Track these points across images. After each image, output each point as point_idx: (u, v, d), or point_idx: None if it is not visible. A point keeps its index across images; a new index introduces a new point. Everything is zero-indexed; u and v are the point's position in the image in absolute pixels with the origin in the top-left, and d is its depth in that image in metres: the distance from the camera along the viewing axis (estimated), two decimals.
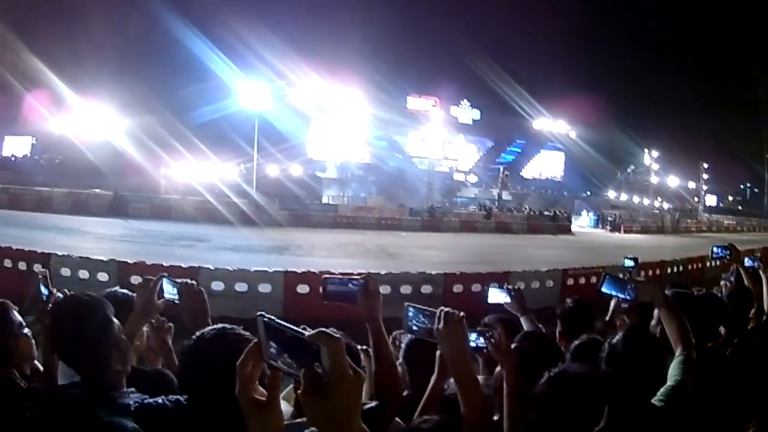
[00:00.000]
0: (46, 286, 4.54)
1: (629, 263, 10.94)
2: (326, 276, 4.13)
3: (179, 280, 4.41)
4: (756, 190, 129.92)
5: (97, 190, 53.95)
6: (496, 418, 4.04)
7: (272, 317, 2.05)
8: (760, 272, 8.31)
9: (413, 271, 22.27)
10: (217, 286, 18.27)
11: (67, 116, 71.35)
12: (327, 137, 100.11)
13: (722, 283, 9.74)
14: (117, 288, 5.20)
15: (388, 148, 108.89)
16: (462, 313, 3.66)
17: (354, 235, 51.72)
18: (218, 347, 3.20)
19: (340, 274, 4.80)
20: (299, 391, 1.95)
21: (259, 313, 2.09)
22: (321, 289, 4.18)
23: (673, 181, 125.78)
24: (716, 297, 6.57)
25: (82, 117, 69.85)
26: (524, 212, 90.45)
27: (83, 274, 17.86)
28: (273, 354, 2.04)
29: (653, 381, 4.19)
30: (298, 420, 2.98)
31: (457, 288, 21.62)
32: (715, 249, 9.10)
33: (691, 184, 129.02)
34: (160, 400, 3.34)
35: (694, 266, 33.74)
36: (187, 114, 71.91)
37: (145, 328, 4.91)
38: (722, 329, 6.34)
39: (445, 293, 21.18)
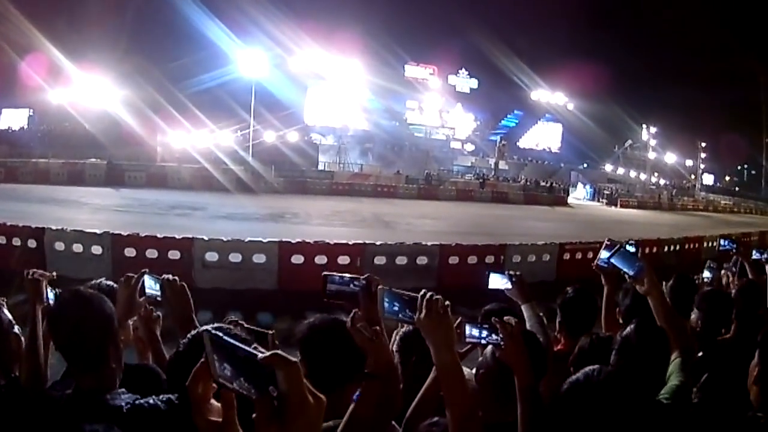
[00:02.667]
0: (53, 290, 4.55)
1: (631, 249, 10.78)
2: (326, 274, 3.92)
3: (161, 277, 4.36)
4: (753, 172, 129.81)
5: (93, 160, 53.68)
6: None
7: (220, 334, 1.91)
8: (767, 267, 8.08)
9: (409, 242, 22.13)
10: (212, 257, 18.19)
11: (64, 87, 70.99)
12: (324, 104, 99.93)
13: (723, 273, 9.97)
14: (102, 279, 5.09)
15: (385, 116, 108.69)
16: (447, 302, 3.38)
17: (350, 203, 51.61)
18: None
19: (342, 273, 3.91)
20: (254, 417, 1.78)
21: (205, 328, 2.02)
22: (322, 287, 3.97)
23: (671, 158, 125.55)
24: (722, 292, 6.56)
25: (79, 87, 69.47)
26: (521, 183, 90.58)
27: (77, 247, 17.73)
28: (227, 375, 1.85)
29: (661, 375, 4.19)
30: None
31: (453, 260, 21.50)
32: (722, 241, 9.02)
33: (689, 162, 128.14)
34: (152, 401, 3.28)
35: (691, 246, 33.70)
36: (184, 82, 71.64)
37: (130, 321, 4.80)
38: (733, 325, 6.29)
39: (440, 265, 21.11)
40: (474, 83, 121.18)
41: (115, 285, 4.71)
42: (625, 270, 4.93)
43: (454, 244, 22.28)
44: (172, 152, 61.70)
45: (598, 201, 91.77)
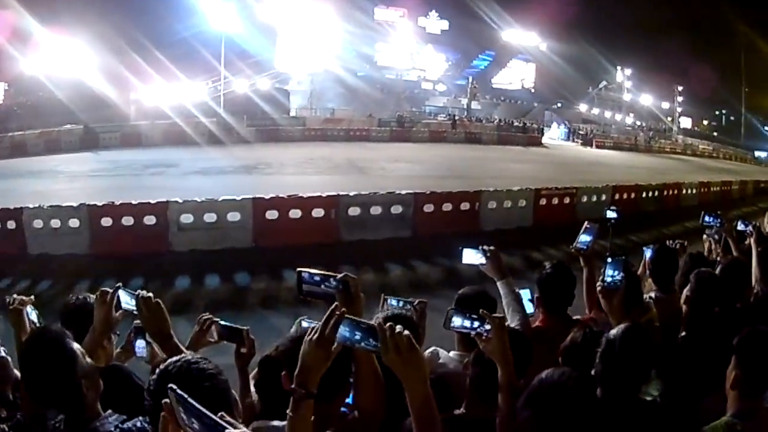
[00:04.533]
0: (34, 309, 4.62)
1: (612, 214, 10.62)
2: (300, 270, 3.72)
3: (136, 292, 4.23)
4: (732, 118, 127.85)
5: (68, 127, 53.06)
6: (458, 411, 3.96)
7: (185, 396, 1.97)
8: (751, 242, 7.91)
9: (383, 189, 22.10)
10: (187, 219, 18.11)
11: (36, 53, 69.62)
12: (295, 50, 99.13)
13: (705, 238, 9.76)
14: (78, 296, 5.05)
15: (356, 60, 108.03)
16: (407, 332, 3.03)
17: (323, 149, 51.63)
18: (180, 386, 3.07)
19: (316, 271, 3.72)
20: None
21: (170, 386, 2.04)
22: (297, 284, 3.77)
23: (647, 100, 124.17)
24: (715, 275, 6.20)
25: (51, 53, 68.16)
26: (494, 123, 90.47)
27: (55, 223, 17.45)
28: (196, 429, 1.93)
29: (646, 379, 4.06)
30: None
31: (428, 208, 21.53)
32: (706, 217, 8.60)
33: (665, 105, 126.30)
34: (138, 423, 3.35)
35: (670, 192, 33.46)
36: (155, 36, 70.47)
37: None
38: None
39: (415, 213, 21.13)
40: (444, 24, 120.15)
41: (88, 299, 4.71)
42: (605, 275, 4.92)
43: (429, 192, 22.14)
44: (145, 110, 61.10)
45: (573, 141, 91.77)
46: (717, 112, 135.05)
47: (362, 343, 3.00)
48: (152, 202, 17.97)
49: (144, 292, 4.14)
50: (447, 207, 22.06)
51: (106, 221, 17.31)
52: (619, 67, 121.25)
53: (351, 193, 20.67)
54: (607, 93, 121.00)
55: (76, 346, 3.63)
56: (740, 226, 8.49)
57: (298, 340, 3.16)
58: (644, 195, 30.96)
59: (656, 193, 31.94)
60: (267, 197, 19.14)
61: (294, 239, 18.41)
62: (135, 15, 72.03)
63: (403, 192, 21.65)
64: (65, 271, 15.67)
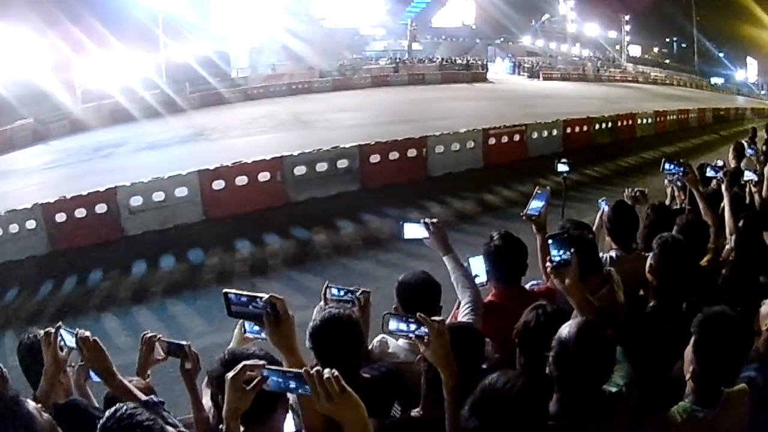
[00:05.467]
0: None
1: (563, 168, 10.35)
2: (227, 292, 3.37)
3: (75, 331, 4.15)
4: (684, 45, 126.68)
5: (19, 122, 52.22)
6: (415, 413, 3.89)
7: None
8: (723, 188, 7.67)
9: (327, 147, 21.74)
10: (136, 201, 17.90)
11: None
12: (230, 11, 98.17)
13: (667, 183, 9.38)
14: (27, 334, 4.94)
15: (291, 12, 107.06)
16: (336, 373, 2.86)
17: (267, 106, 51.39)
18: None
19: (242, 292, 3.12)
20: None
21: None
22: (225, 304, 3.40)
23: (593, 30, 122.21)
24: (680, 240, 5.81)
25: None
26: (436, 62, 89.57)
27: (14, 228, 17.04)
28: None
29: (605, 379, 3.77)
30: None
31: (374, 158, 21.56)
32: (667, 165, 7.46)
33: (612, 34, 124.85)
34: None
35: (625, 123, 33.18)
36: (91, 5, 69.25)
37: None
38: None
39: (362, 165, 21.18)
40: None
41: (38, 336, 4.59)
42: (551, 255, 4.44)
43: (373, 142, 22.06)
44: (91, 93, 60.17)
45: (519, 75, 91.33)
46: (668, 40, 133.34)
47: (299, 389, 2.92)
48: (101, 189, 17.72)
49: (82, 332, 4.11)
50: (393, 156, 22.01)
51: (61, 217, 17.05)
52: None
53: (295, 153, 20.55)
54: (550, 25, 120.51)
55: (31, 405, 3.61)
56: (709, 172, 8.28)
57: (227, 364, 3.23)
58: (597, 127, 30.65)
59: (610, 125, 31.66)
60: (212, 168, 19.02)
61: (243, 207, 18.59)
62: None
63: (348, 145, 21.63)
64: (29, 276, 15.60)
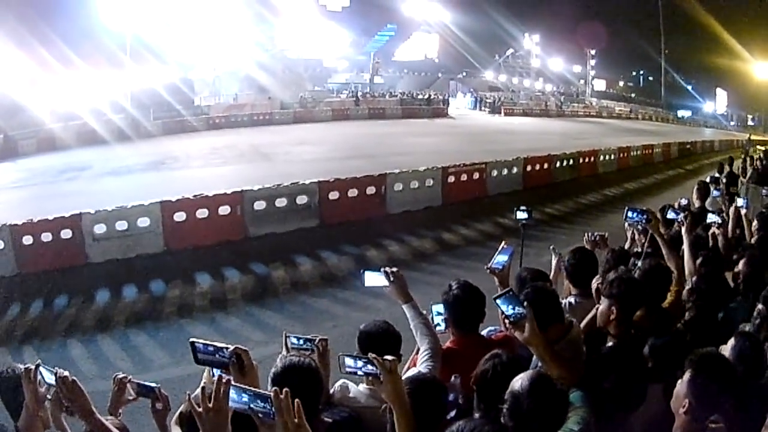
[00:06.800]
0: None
1: (522, 215, 10.52)
2: (194, 341, 3.75)
3: (54, 370, 4.34)
4: (651, 78, 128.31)
5: None
6: None
7: None
8: (683, 231, 7.93)
9: (288, 179, 22.16)
10: (100, 228, 17.91)
11: None
12: (195, 38, 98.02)
13: (627, 227, 9.18)
14: (5, 368, 5.12)
15: (256, 42, 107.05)
16: (298, 401, 3.15)
17: (228, 136, 51.43)
18: None
19: (209, 342, 3.72)
20: None
21: None
22: (192, 352, 3.77)
23: (557, 64, 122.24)
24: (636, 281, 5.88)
25: None
26: (397, 96, 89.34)
27: None
28: None
29: (557, 426, 3.82)
30: None
31: (333, 195, 21.70)
32: (629, 213, 7.64)
33: (577, 68, 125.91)
34: None
35: (586, 160, 33.21)
36: (59, 28, 68.85)
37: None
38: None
39: (321, 202, 21.33)
40: (345, 1, 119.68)
41: (17, 371, 4.76)
42: (505, 313, 4.48)
43: (333, 179, 22.13)
44: (59, 112, 59.72)
45: (481, 110, 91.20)
46: (634, 73, 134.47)
47: (264, 411, 3.11)
48: (66, 215, 17.75)
49: (60, 371, 4.28)
50: (353, 192, 22.20)
51: (27, 239, 17.07)
52: (526, 34, 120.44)
53: (255, 188, 20.65)
54: (514, 60, 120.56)
55: None
56: (670, 215, 8.52)
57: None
58: (558, 164, 30.86)
59: (571, 162, 31.78)
60: (173, 199, 19.08)
61: (203, 239, 18.79)
62: (40, 7, 70.37)
63: (308, 182, 21.69)
64: None
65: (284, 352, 5.01)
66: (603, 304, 5.54)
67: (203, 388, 3.23)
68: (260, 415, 3.15)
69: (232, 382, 3.20)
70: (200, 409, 3.08)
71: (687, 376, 4.11)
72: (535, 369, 4.39)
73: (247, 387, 3.23)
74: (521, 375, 3.87)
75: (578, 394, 4.23)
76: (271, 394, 3.11)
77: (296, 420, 3.07)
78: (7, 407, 4.96)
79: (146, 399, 5.00)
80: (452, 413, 4.16)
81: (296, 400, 3.12)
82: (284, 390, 3.12)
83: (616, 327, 5.45)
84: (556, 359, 4.45)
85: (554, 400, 3.75)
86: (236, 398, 3.17)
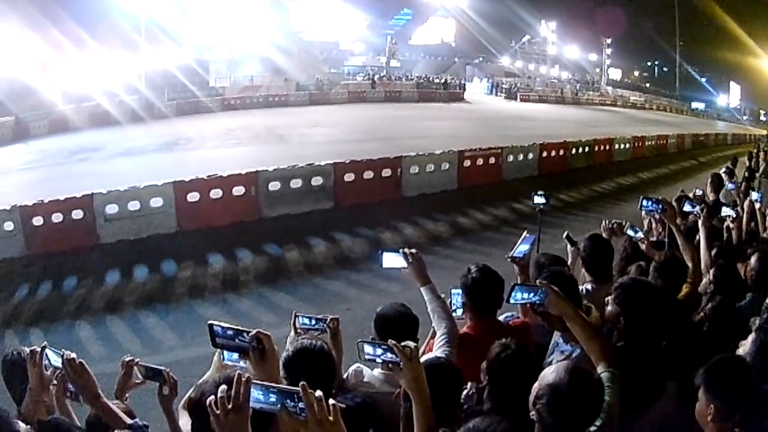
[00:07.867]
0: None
1: (539, 200, 10.47)
2: (212, 324, 3.40)
3: (61, 352, 4.22)
4: (665, 69, 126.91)
5: (2, 119, 51.68)
6: None
7: None
8: (699, 223, 7.66)
9: (303, 159, 22.01)
10: (112, 209, 17.74)
11: None
12: (211, 20, 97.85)
13: (644, 215, 9.13)
14: (11, 351, 5.05)
15: (272, 23, 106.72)
16: (333, 403, 2.88)
17: (243, 118, 51.17)
18: None
19: (229, 325, 3.38)
20: None
21: None
22: (210, 335, 3.41)
23: (573, 52, 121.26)
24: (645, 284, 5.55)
25: None
26: (413, 80, 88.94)
27: None
28: None
29: (594, 419, 3.69)
30: None
31: (349, 177, 21.49)
32: (645, 202, 7.17)
33: (593, 57, 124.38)
34: None
35: (602, 148, 32.98)
36: (72, 8, 68.63)
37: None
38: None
39: (336, 184, 21.13)
40: None
41: (22, 353, 4.73)
42: (529, 300, 4.36)
43: (348, 161, 21.91)
44: (71, 94, 59.59)
45: (497, 95, 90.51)
46: (649, 63, 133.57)
47: (291, 407, 2.85)
48: (78, 195, 17.57)
49: (68, 353, 4.15)
50: (368, 175, 22.01)
51: (38, 220, 16.92)
52: (542, 21, 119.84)
53: (270, 168, 20.42)
54: (530, 46, 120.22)
55: (22, 428, 3.70)
56: (687, 207, 8.19)
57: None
58: (574, 151, 30.66)
59: (587, 149, 31.60)
60: (187, 180, 18.90)
61: (217, 220, 18.59)
62: None
63: (323, 163, 21.51)
64: (4, 279, 15.50)
65: (292, 333, 4.90)
66: (611, 307, 5.31)
67: (218, 386, 2.91)
68: (293, 414, 2.87)
69: (256, 381, 2.89)
70: (218, 411, 2.80)
71: (704, 385, 3.87)
72: (564, 361, 4.13)
73: (272, 384, 2.93)
74: (552, 367, 3.72)
75: (607, 373, 4.06)
76: (299, 389, 2.82)
77: (331, 418, 2.82)
78: (9, 390, 4.86)
79: (153, 383, 4.74)
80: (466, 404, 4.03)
81: (331, 401, 2.84)
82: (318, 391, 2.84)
83: (622, 333, 5.20)
84: (598, 332, 4.40)
85: (594, 390, 3.66)
86: (263, 398, 2.89)
